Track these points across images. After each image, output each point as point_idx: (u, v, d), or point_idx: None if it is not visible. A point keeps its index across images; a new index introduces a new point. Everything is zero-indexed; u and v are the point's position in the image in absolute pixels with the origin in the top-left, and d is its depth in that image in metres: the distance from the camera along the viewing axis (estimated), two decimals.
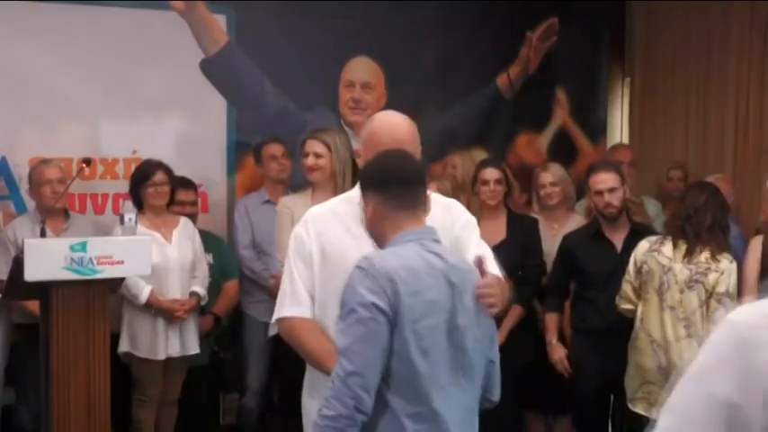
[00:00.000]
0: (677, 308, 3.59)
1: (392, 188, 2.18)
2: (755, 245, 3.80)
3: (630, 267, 3.73)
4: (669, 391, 1.22)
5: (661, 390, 3.81)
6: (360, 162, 2.58)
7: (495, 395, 2.35)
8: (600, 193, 3.90)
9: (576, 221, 4.53)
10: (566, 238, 4.14)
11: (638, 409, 3.71)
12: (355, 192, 2.64)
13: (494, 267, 2.54)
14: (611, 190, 3.89)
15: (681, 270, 3.59)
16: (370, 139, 2.52)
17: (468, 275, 2.19)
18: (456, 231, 2.59)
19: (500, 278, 2.41)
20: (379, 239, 2.24)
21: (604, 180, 3.90)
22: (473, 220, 2.70)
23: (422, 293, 2.07)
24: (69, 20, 4.75)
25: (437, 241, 2.21)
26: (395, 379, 2.05)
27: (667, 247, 3.66)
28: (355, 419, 1.99)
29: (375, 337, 2.02)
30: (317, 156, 3.79)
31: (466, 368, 2.17)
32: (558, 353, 4.06)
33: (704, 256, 3.58)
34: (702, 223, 3.63)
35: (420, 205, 2.22)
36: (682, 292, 3.58)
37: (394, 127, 2.53)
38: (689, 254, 3.61)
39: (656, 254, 3.68)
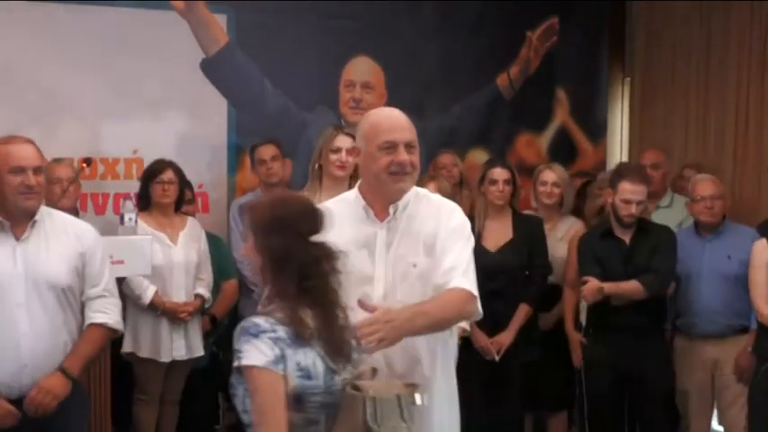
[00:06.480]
0: None
1: None
2: (762, 248, 3.83)
3: None
4: None
5: None
6: (359, 159, 2.57)
7: None
8: (629, 202, 3.92)
9: (568, 223, 4.55)
10: (580, 241, 4.15)
11: None
12: (349, 193, 2.64)
13: (467, 273, 2.44)
14: (639, 203, 3.93)
15: None
16: (372, 131, 2.50)
17: None
18: (442, 237, 2.50)
19: (386, 311, 2.23)
20: None
21: (638, 192, 3.92)
22: (463, 225, 2.55)
23: None
24: (69, 19, 4.75)
25: None
26: None
27: None
28: None
29: None
30: (349, 152, 3.75)
31: None
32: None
33: None
34: None
35: None
36: None
37: (391, 115, 2.53)
38: None
39: None
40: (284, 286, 2.06)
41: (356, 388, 2.07)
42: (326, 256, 2.09)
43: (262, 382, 1.97)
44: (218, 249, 4.64)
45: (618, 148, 6.36)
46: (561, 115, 6.15)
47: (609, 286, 3.85)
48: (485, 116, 5.89)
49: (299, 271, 2.05)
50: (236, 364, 2.00)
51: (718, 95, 5.54)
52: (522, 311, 4.10)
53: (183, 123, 5.09)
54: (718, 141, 5.53)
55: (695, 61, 5.71)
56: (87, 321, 2.89)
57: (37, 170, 2.80)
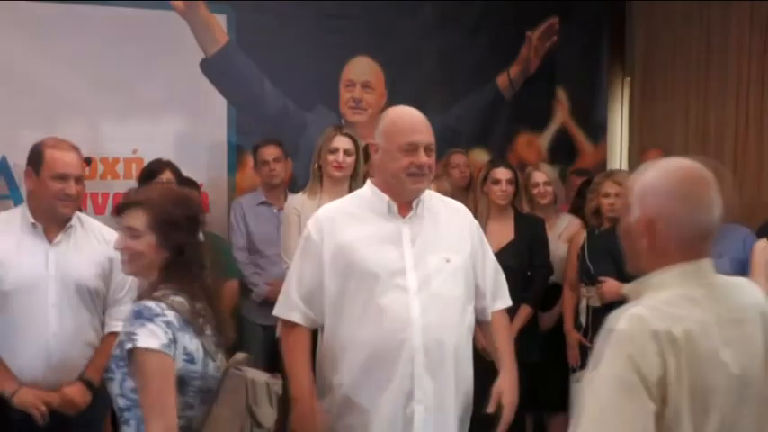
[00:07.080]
0: None
1: None
2: (762, 249, 3.83)
3: None
4: None
5: None
6: (376, 156, 2.59)
7: None
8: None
9: (565, 221, 4.56)
10: (592, 239, 4.14)
11: None
12: (364, 190, 2.65)
13: (503, 281, 2.83)
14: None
15: None
16: (393, 129, 2.55)
17: None
18: (474, 241, 2.67)
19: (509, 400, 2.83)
20: None
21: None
22: (479, 227, 2.77)
23: None
24: (69, 20, 4.75)
25: None
26: None
27: None
28: None
29: None
30: (348, 153, 3.76)
31: None
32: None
33: None
34: None
35: None
36: None
37: (412, 116, 2.61)
38: None
39: None
40: (182, 279, 2.12)
41: (238, 371, 2.17)
42: (217, 251, 2.19)
43: (155, 366, 2.00)
44: (218, 249, 4.64)
45: (618, 148, 6.37)
46: (561, 115, 6.15)
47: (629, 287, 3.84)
48: (485, 116, 5.89)
49: (198, 265, 2.14)
50: (129, 346, 2.01)
51: (718, 95, 5.54)
52: (523, 312, 4.10)
53: (183, 123, 5.09)
54: (718, 141, 5.53)
55: (695, 61, 5.71)
56: (107, 329, 2.93)
57: (78, 179, 2.88)
